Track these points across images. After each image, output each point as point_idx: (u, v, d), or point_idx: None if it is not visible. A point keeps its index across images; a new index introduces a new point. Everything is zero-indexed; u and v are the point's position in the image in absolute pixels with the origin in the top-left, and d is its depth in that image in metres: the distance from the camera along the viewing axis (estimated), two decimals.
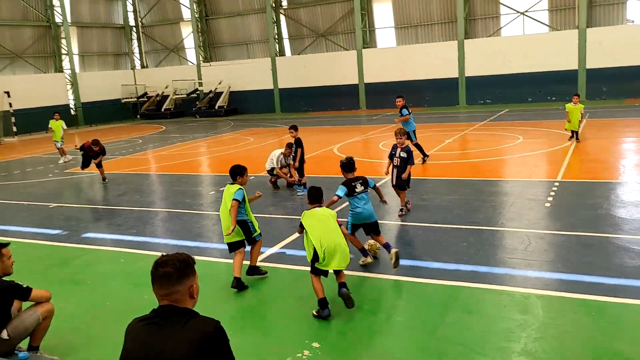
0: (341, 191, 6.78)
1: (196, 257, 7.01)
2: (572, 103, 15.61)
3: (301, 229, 5.94)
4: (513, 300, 5.76)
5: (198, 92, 38.72)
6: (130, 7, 42.08)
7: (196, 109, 37.23)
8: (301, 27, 36.46)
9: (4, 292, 4.75)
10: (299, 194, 11.35)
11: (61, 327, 5.68)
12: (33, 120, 32.27)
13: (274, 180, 12.12)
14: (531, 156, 14.09)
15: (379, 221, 7.19)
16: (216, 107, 36.54)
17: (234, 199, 6.49)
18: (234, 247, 6.71)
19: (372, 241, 7.23)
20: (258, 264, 7.05)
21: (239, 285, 6.50)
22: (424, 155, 14.00)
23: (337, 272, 5.85)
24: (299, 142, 11.33)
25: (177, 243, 8.68)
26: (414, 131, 13.97)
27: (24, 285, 4.87)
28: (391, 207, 9.76)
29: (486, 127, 20.85)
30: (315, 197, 6.10)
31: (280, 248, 7.98)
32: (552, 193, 10.08)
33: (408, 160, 9.10)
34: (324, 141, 20.20)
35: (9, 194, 14.03)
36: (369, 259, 7.03)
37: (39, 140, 28.49)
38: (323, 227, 5.74)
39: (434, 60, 31.66)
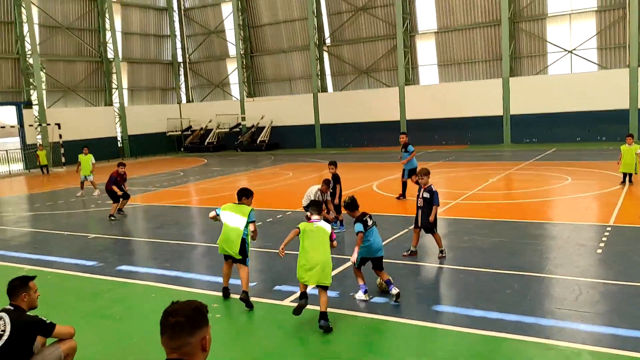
0: (360, 226, 7.06)
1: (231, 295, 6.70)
2: (626, 144, 14.94)
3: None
4: (562, 356, 5.30)
5: (241, 126, 39.35)
6: (179, 44, 43.55)
7: (238, 143, 37.75)
8: (344, 64, 36.80)
9: (28, 327, 4.67)
10: (335, 231, 11.08)
11: None
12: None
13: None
14: (580, 198, 13.46)
15: (418, 263, 6.90)
16: (258, 142, 36.97)
17: (252, 221, 7.25)
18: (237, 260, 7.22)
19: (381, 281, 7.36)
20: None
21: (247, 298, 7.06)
22: (402, 194, 14.31)
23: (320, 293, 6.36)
24: (337, 178, 11.15)
25: (211, 279, 8.53)
26: (411, 170, 14.03)
27: (48, 321, 4.78)
28: (430, 249, 9.40)
29: (532, 167, 20.21)
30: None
31: (312, 288, 7.69)
32: (604, 238, 9.50)
33: (433, 201, 8.82)
34: (363, 177, 19.99)
35: (52, 223, 14.31)
36: (366, 297, 7.12)
37: None
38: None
39: (477, 98, 31.27)
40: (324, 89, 37.46)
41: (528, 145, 29.31)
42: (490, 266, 8.25)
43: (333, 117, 36.07)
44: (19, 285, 4.88)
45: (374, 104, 34.46)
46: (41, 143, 30.37)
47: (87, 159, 19.96)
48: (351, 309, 6.87)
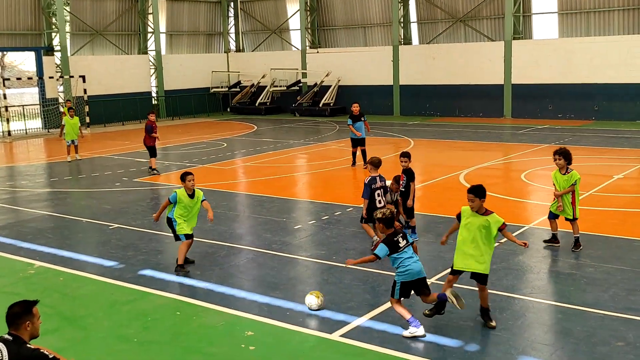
0: (381, 251, 7.40)
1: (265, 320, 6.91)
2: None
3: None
4: None
5: (300, 84, 39.59)
6: None
7: (296, 106, 38.08)
8: (435, 8, 36.09)
9: None
10: None
11: None
12: (109, 110, 34.73)
13: None
14: None
15: (493, 291, 6.89)
16: (320, 105, 37.14)
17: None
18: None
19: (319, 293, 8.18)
20: None
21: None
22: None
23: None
24: (410, 174, 11.12)
25: (254, 297, 8.78)
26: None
27: (50, 356, 5.12)
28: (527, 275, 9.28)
29: None
30: None
31: (370, 319, 7.83)
32: None
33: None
34: (448, 162, 19.77)
35: (68, 206, 15.13)
36: (422, 331, 7.32)
37: (113, 135, 30.57)
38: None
39: (611, 58, 29.90)
40: (407, 40, 36.95)
41: None
42: (601, 306, 8.06)
43: (417, 77, 35.61)
44: (22, 313, 5.19)
45: (471, 62, 33.71)
46: (69, 99, 31.64)
47: (73, 122, 21.96)
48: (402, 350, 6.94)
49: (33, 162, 22.99)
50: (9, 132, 30.95)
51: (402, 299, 7.51)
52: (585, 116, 30.72)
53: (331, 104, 37.30)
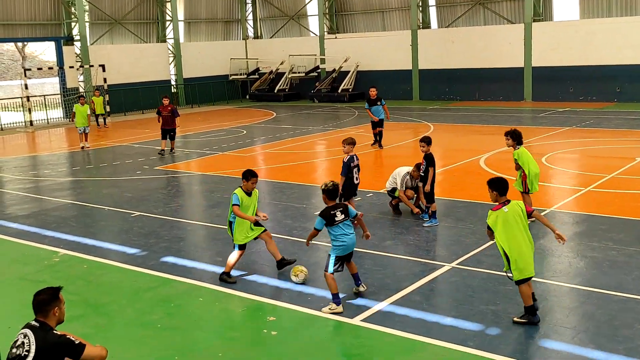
0: (318, 224, 7.86)
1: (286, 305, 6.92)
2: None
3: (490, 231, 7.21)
4: None
5: (319, 70, 39.50)
6: None
7: (315, 92, 38.02)
8: None
9: (55, 349, 5.09)
10: (425, 225, 11.12)
11: None
12: (129, 99, 34.94)
13: (395, 203, 11.99)
14: None
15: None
16: (339, 91, 37.04)
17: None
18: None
19: (301, 267, 8.70)
20: None
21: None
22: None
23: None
24: (430, 159, 11.08)
25: (274, 283, 8.86)
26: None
27: (77, 342, 5.21)
28: (552, 258, 9.22)
29: None
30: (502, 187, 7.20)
31: (391, 304, 7.84)
32: None
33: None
34: (468, 147, 19.68)
35: (90, 194, 15.30)
36: (340, 308, 7.67)
37: (133, 124, 30.77)
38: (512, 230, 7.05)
39: (631, 40, 29.44)
40: (425, 24, 36.67)
41: None
42: (623, 289, 8.01)
43: (436, 61, 35.35)
44: (50, 299, 5.27)
45: (490, 45, 33.37)
46: (97, 88, 31.86)
47: (83, 110, 22.92)
48: (432, 336, 6.96)
49: (55, 151, 23.24)
50: (31, 122, 31.27)
51: (334, 273, 7.80)
52: (607, 98, 30.31)
53: (350, 90, 37.19)
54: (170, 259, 10.03)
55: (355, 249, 8.08)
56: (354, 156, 11.15)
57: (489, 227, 7.23)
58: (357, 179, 11.15)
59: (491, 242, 9.89)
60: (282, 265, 9.14)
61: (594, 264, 9.03)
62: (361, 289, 8.13)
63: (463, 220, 11.44)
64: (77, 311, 7.96)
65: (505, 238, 7.04)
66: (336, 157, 18.99)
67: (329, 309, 7.69)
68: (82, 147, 22.59)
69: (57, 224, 12.52)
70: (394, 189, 11.89)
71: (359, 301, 7.99)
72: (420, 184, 11.30)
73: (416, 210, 11.53)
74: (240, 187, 8.95)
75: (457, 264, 9.16)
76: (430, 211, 11.23)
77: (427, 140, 11.23)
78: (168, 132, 20.49)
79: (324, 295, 8.19)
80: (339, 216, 7.81)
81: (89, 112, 23.50)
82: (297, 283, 8.63)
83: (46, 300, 5.26)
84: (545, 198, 13.11)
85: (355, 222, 8.27)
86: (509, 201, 7.17)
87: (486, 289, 8.22)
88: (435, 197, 11.31)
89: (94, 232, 11.86)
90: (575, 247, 9.79)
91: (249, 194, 8.95)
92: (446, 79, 35.13)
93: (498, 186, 7.19)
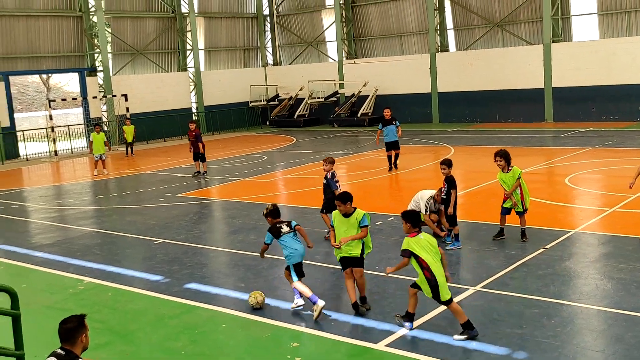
0: (267, 238, 8.75)
1: (310, 331, 6.99)
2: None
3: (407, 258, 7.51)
4: None
5: (338, 95, 39.69)
6: None
7: (334, 117, 38.17)
8: (471, 14, 35.86)
9: None
10: (448, 247, 11.05)
11: None
12: (151, 127, 35.33)
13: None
14: None
15: (551, 300, 6.75)
16: (359, 115, 37.15)
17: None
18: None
19: (256, 295, 8.83)
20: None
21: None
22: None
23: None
24: (451, 182, 11.04)
25: (305, 311, 8.84)
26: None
27: None
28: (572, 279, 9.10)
29: None
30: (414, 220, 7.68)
31: (415, 328, 7.78)
32: None
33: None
34: (490, 168, 19.42)
35: (114, 222, 15.44)
36: (320, 303, 8.22)
37: (155, 152, 31.08)
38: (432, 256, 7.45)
39: None
40: (444, 47, 36.77)
41: None
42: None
43: (455, 84, 35.37)
44: (77, 327, 5.31)
45: (510, 67, 33.35)
46: (128, 117, 32.31)
47: (99, 138, 23.82)
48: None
49: (79, 180, 23.52)
50: (56, 152, 31.75)
51: (301, 279, 8.57)
52: (629, 117, 30.06)
53: (369, 114, 37.27)
54: (193, 286, 10.05)
55: (378, 273, 8.07)
56: (334, 172, 12.32)
57: (405, 251, 7.52)
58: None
59: (516, 264, 9.88)
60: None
61: (621, 285, 8.89)
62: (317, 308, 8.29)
63: (486, 242, 11.35)
64: (103, 339, 7.99)
65: (431, 262, 7.39)
66: (357, 181, 19.04)
67: (314, 309, 8.25)
68: (95, 174, 23.26)
69: (81, 252, 12.63)
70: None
71: (383, 325, 7.94)
72: (442, 207, 11.26)
73: (442, 233, 11.47)
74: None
75: (481, 287, 9.07)
76: (453, 234, 11.17)
77: (447, 163, 11.21)
78: (196, 155, 21.46)
79: (347, 321, 8.17)
80: (284, 229, 8.71)
81: (105, 140, 24.35)
82: (252, 307, 8.78)
83: (72, 328, 5.30)
84: (570, 219, 12.98)
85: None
86: (420, 231, 7.65)
87: (512, 312, 8.12)
88: (457, 219, 11.26)
89: (118, 260, 11.95)
90: (602, 268, 9.66)
91: (346, 215, 8.60)
92: (466, 101, 35.10)
93: (412, 218, 7.70)
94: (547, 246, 10.71)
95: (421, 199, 11.66)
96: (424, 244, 7.49)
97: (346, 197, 8.49)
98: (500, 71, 33.62)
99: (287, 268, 8.71)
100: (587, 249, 10.64)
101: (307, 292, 8.36)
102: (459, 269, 10.31)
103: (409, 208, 12.03)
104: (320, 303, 8.22)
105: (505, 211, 11.28)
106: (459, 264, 10.51)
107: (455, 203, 11.07)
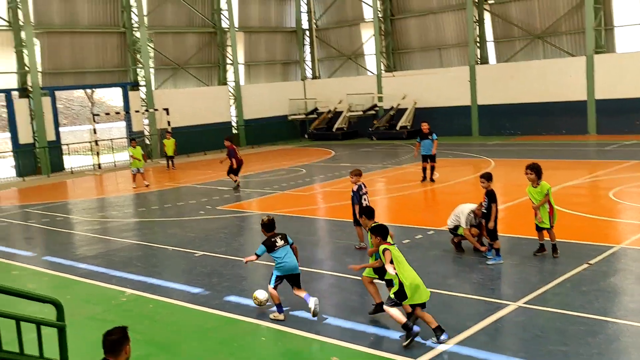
0: (260, 250, 9.19)
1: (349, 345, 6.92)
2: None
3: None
4: None
5: (377, 108, 39.66)
6: (304, 7, 44.81)
7: (373, 130, 38.13)
8: (511, 26, 35.52)
9: None
10: (489, 262, 10.91)
11: None
12: (191, 141, 35.79)
13: (457, 241, 11.83)
14: None
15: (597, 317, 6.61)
16: (397, 128, 37.04)
17: None
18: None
19: (259, 294, 9.38)
20: None
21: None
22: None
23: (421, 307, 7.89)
24: (492, 196, 10.92)
25: (333, 322, 8.82)
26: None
27: None
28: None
29: None
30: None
31: (456, 344, 7.69)
32: None
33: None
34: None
35: (155, 235, 15.65)
36: (282, 317, 8.93)
37: (195, 165, 31.46)
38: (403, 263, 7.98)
39: None
40: (484, 60, 36.48)
41: None
42: None
43: (495, 96, 35.02)
44: (121, 339, 5.37)
45: (551, 79, 32.88)
46: (169, 130, 32.88)
47: (136, 152, 24.29)
48: None
49: (122, 192, 23.94)
50: (99, 165, 32.39)
51: (277, 287, 9.11)
52: None
53: (408, 127, 37.10)
54: (232, 299, 10.12)
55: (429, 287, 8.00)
56: (362, 185, 12.48)
57: (383, 254, 7.94)
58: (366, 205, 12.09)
59: (559, 280, 9.69)
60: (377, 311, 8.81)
61: None
62: (311, 305, 8.76)
63: (528, 257, 11.17)
64: (144, 350, 8.09)
65: (400, 269, 7.84)
66: (397, 194, 18.97)
67: (273, 316, 9.01)
68: (134, 187, 23.86)
69: (123, 264, 12.84)
70: (456, 227, 11.74)
71: (424, 341, 7.86)
72: (483, 221, 11.13)
73: (483, 248, 11.34)
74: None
75: (523, 303, 8.92)
76: (494, 249, 11.03)
77: (487, 177, 11.10)
78: (230, 169, 22.09)
79: (386, 335, 8.13)
80: (279, 242, 9.18)
81: (142, 153, 24.98)
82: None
83: (117, 340, 5.37)
84: (614, 234, 12.72)
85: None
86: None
87: (554, 328, 7.97)
88: (498, 234, 11.12)
89: (159, 272, 12.11)
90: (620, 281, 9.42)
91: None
92: (506, 114, 34.69)
93: (381, 232, 8.17)
94: (591, 262, 10.50)
95: (461, 212, 11.56)
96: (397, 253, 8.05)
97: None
98: (542, 83, 33.17)
99: (271, 275, 9.23)
100: (633, 264, 10.39)
101: (276, 299, 9.01)
102: (500, 284, 10.18)
103: (448, 222, 12.00)
104: (281, 317, 8.93)
105: (539, 228, 11.15)
106: (500, 279, 10.37)
107: (496, 217, 10.95)
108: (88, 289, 11.34)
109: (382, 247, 8.00)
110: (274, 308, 9.08)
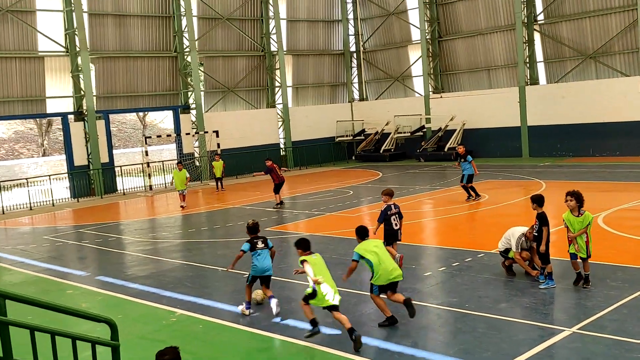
0: (245, 246, 10.57)
1: None
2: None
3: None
4: None
5: (424, 130, 39.49)
6: (351, 30, 45.15)
7: (421, 151, 37.95)
8: (562, 47, 35.03)
9: None
10: (541, 286, 10.67)
11: None
12: (240, 162, 36.23)
13: (508, 264, 11.62)
14: None
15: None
16: (446, 149, 36.76)
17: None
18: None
19: (259, 291, 10.81)
20: None
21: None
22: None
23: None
24: (543, 219, 10.71)
25: (381, 345, 8.75)
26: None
27: None
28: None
29: None
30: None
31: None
32: None
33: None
34: (585, 205, 18.75)
35: (205, 255, 15.83)
36: (247, 312, 10.38)
37: (244, 186, 31.79)
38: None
39: None
40: (534, 80, 36.02)
41: None
42: None
43: (545, 117, 34.48)
44: (174, 359, 5.46)
45: (604, 99, 32.24)
46: (218, 152, 33.44)
47: (181, 175, 25.12)
48: None
49: (172, 214, 24.33)
50: (151, 187, 33.03)
51: (251, 285, 10.53)
52: None
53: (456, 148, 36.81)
54: (280, 320, 10.13)
55: (466, 311, 7.87)
56: (392, 205, 12.83)
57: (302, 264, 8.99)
58: (396, 225, 12.74)
59: (615, 305, 9.40)
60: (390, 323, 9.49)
61: None
62: (274, 306, 10.09)
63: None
64: None
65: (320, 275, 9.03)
66: (446, 216, 18.77)
67: (240, 309, 10.43)
68: (182, 207, 24.54)
69: (174, 284, 13.01)
70: (507, 250, 11.55)
71: (435, 357, 7.73)
72: (535, 245, 10.92)
73: (534, 272, 11.11)
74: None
75: (577, 329, 8.69)
76: (546, 272, 10.79)
77: (538, 200, 10.90)
78: (275, 186, 23.03)
79: (412, 354, 8.01)
80: (260, 244, 10.53)
81: (187, 176, 25.53)
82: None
83: None
84: None
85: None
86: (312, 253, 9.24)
87: (611, 356, 7.73)
88: (550, 257, 10.88)
89: (209, 293, 12.22)
90: None
91: None
92: (557, 135, 34.10)
93: (301, 245, 9.39)
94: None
95: (512, 235, 11.37)
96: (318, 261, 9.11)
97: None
98: (594, 104, 32.54)
99: (248, 275, 10.64)
100: None
101: (248, 296, 10.42)
102: (552, 309, 9.94)
103: (499, 245, 11.81)
104: (246, 312, 10.34)
105: (574, 256, 10.68)
106: (553, 304, 10.13)
107: (548, 240, 10.71)
108: (139, 309, 11.52)
109: (300, 258, 8.98)
110: (246, 305, 10.43)
